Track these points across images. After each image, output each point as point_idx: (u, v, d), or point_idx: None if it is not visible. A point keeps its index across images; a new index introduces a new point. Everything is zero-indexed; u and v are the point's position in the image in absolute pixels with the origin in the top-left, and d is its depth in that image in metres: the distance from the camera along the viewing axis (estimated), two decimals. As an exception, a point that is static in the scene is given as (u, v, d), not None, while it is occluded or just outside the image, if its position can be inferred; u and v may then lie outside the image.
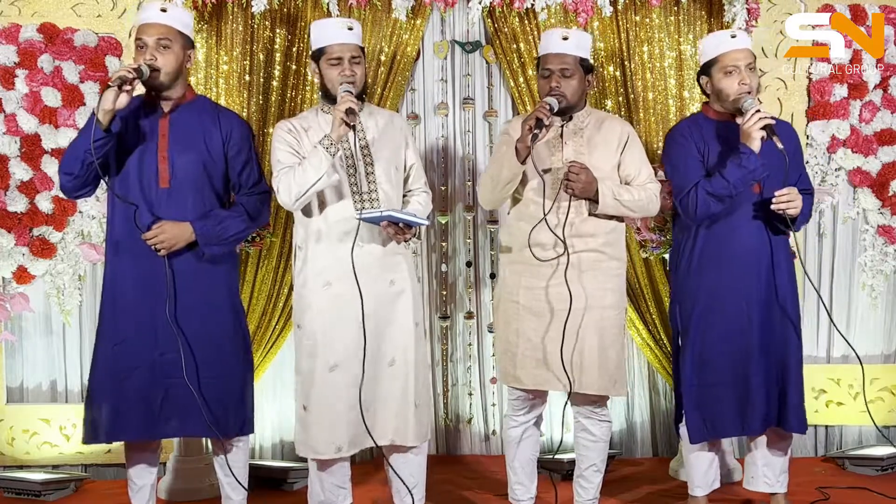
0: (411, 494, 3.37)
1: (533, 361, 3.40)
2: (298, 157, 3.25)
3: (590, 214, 3.37)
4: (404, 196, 3.43)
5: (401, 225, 3.17)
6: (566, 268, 3.31)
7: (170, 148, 3.20)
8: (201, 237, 3.20)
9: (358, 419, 3.22)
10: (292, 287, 4.17)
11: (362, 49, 3.33)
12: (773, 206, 3.28)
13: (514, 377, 3.45)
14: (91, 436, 3.24)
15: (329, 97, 3.31)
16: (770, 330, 3.40)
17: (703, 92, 3.49)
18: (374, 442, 3.26)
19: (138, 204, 3.14)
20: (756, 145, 3.23)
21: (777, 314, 3.40)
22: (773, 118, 3.28)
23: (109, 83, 3.00)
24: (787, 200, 3.27)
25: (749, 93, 3.31)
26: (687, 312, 3.48)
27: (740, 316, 3.40)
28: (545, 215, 3.30)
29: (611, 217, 3.40)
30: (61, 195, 4.06)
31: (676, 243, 3.57)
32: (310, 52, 3.37)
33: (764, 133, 3.23)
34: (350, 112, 3.09)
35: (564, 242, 3.32)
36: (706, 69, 3.43)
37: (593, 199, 3.33)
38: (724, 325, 3.41)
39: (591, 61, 3.45)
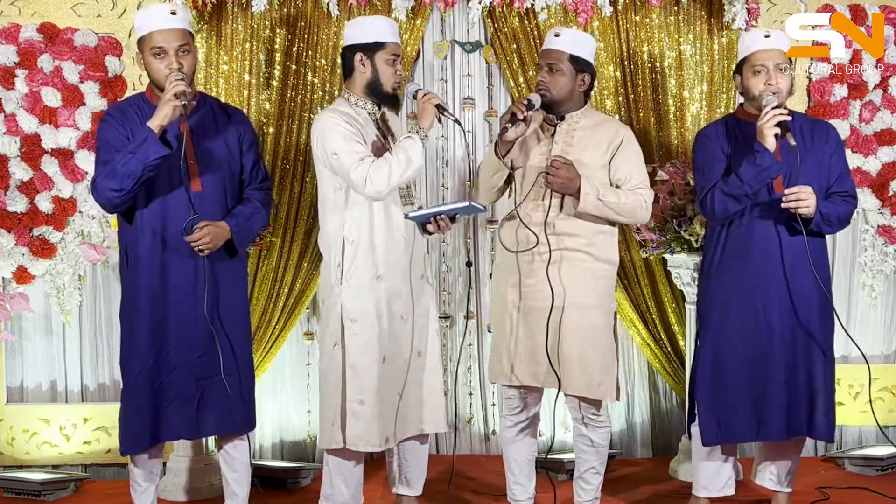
0: (406, 481, 3.51)
1: (518, 358, 3.41)
2: (367, 146, 3.27)
3: (572, 213, 3.35)
4: None
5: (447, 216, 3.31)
6: (547, 265, 3.32)
7: (196, 151, 3.21)
8: (236, 235, 3.26)
9: (399, 411, 3.32)
10: (292, 287, 4.21)
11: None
12: (782, 205, 3.26)
13: (501, 373, 3.48)
14: (132, 444, 3.24)
15: (378, 91, 3.32)
16: (793, 334, 3.36)
17: (739, 91, 3.49)
18: (400, 433, 3.34)
19: (171, 207, 3.14)
20: (770, 143, 3.20)
21: (802, 317, 3.35)
22: (790, 116, 3.25)
23: (173, 97, 2.99)
24: (795, 199, 3.24)
25: (775, 93, 3.29)
26: (706, 312, 3.47)
27: (756, 318, 3.37)
28: (516, 207, 3.36)
29: (598, 219, 3.38)
30: (61, 195, 4.08)
31: (705, 243, 3.58)
32: (348, 43, 3.33)
33: (777, 130, 3.20)
34: (441, 108, 3.23)
35: (547, 238, 3.32)
36: (739, 67, 3.42)
37: (574, 197, 3.32)
38: (741, 327, 3.38)
39: (589, 61, 3.41)
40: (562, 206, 3.36)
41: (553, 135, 3.43)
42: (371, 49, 3.29)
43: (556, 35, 3.38)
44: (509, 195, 3.50)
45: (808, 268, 3.33)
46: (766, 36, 3.37)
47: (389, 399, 3.30)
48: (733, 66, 3.63)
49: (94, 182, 3.15)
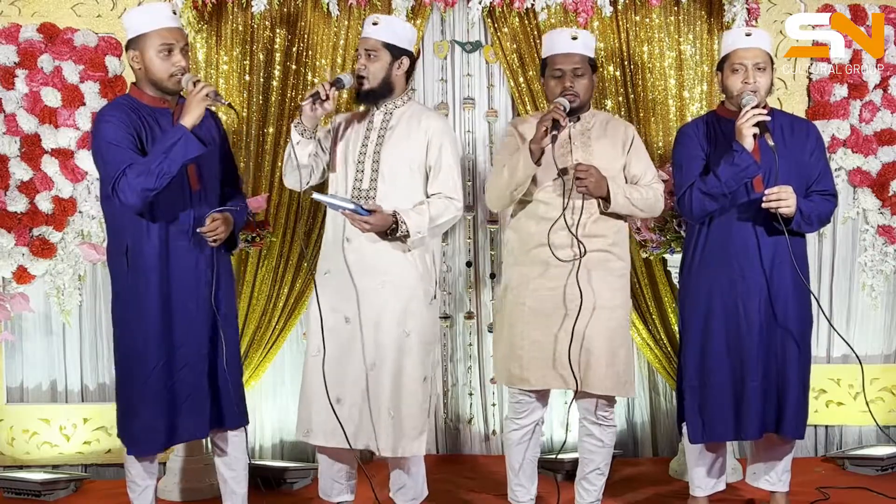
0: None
1: (540, 362, 3.39)
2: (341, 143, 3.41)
3: (601, 213, 3.37)
4: (428, 198, 3.36)
5: (343, 211, 3.20)
6: (577, 268, 3.31)
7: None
8: (235, 227, 3.30)
9: (341, 416, 3.27)
10: (292, 287, 4.22)
11: (384, 45, 3.31)
12: (763, 205, 3.27)
13: (522, 379, 3.42)
14: (145, 447, 3.21)
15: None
16: (770, 332, 3.38)
17: (720, 89, 3.50)
18: (347, 441, 3.28)
19: (172, 204, 3.13)
20: (748, 143, 3.22)
21: (779, 315, 3.38)
22: (770, 116, 3.26)
23: (207, 98, 3.03)
24: (776, 199, 3.25)
25: (754, 92, 3.31)
26: (688, 311, 3.49)
27: (737, 316, 3.39)
28: (563, 214, 3.30)
29: (617, 217, 3.41)
30: (61, 195, 4.09)
31: (685, 242, 3.58)
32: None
33: (756, 130, 3.22)
34: (316, 97, 3.20)
35: (580, 243, 3.31)
36: (720, 65, 3.43)
37: (604, 198, 3.33)
38: (723, 326, 3.40)
39: (595, 59, 3.47)
40: (585, 209, 3.35)
41: (569, 136, 3.43)
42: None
43: (574, 38, 3.36)
44: (519, 201, 3.48)
45: (787, 266, 3.35)
46: (748, 35, 3.38)
47: (317, 393, 3.29)
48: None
49: (118, 182, 3.03)
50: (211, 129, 3.30)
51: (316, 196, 3.18)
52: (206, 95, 3.04)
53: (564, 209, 3.32)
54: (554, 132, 3.21)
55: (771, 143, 3.22)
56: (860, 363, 3.59)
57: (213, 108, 3.12)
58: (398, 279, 3.30)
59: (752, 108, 3.23)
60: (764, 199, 3.26)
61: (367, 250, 3.29)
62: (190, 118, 3.04)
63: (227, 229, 3.22)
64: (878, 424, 3.77)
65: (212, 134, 3.29)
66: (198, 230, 3.16)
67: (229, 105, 3.15)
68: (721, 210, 3.37)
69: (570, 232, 3.31)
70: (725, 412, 3.40)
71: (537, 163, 3.27)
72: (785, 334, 3.38)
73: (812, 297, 3.44)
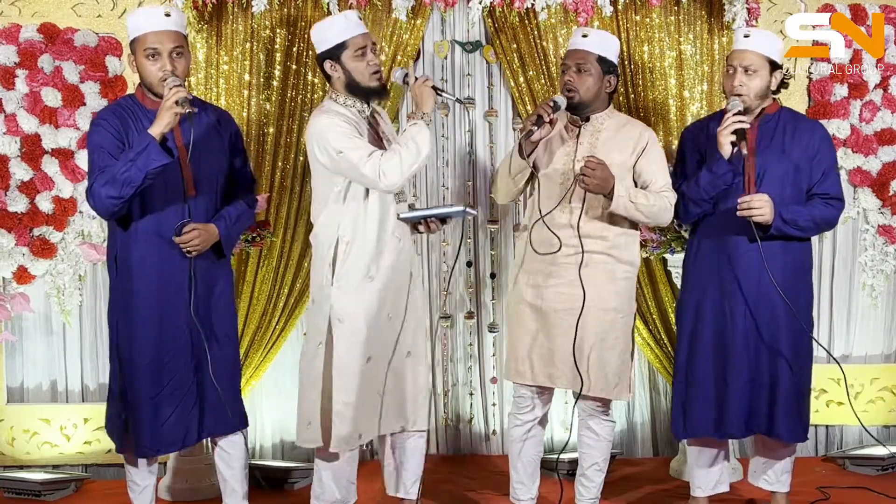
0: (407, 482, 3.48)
1: (537, 358, 3.42)
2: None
3: (597, 215, 3.37)
4: None
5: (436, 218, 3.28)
6: (580, 267, 3.32)
7: (190, 154, 3.15)
8: (225, 238, 3.25)
9: (379, 409, 3.32)
10: (293, 287, 4.21)
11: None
12: (737, 212, 3.27)
13: (517, 372, 3.48)
14: (139, 451, 3.24)
15: (358, 89, 3.26)
16: (756, 336, 3.38)
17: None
18: (378, 429, 3.34)
19: (164, 210, 3.12)
20: (725, 150, 3.22)
21: (767, 319, 3.37)
22: (748, 124, 3.26)
23: (176, 105, 2.96)
24: (747, 207, 3.24)
25: (739, 95, 3.30)
26: (682, 309, 3.52)
27: (724, 318, 3.40)
28: (542, 215, 3.33)
29: (622, 220, 3.40)
30: (61, 195, 4.09)
31: (688, 240, 3.61)
32: (317, 53, 3.31)
33: (734, 138, 3.21)
34: (437, 89, 3.21)
35: (581, 240, 3.33)
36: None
37: (607, 197, 3.32)
38: (710, 326, 3.42)
39: (615, 62, 3.43)
40: (586, 209, 3.37)
41: (578, 136, 3.43)
42: (335, 52, 3.25)
43: (584, 35, 3.37)
44: (529, 195, 3.51)
45: (777, 273, 3.32)
46: (746, 36, 3.38)
47: (369, 398, 3.29)
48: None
49: (90, 189, 3.09)
50: (216, 132, 3.29)
51: (412, 214, 3.28)
52: (176, 102, 2.98)
53: (554, 208, 3.34)
54: (532, 128, 3.22)
55: (745, 151, 3.22)
56: (842, 370, 3.63)
57: (184, 112, 2.99)
58: (418, 267, 3.47)
59: (734, 114, 3.22)
60: (738, 206, 3.26)
61: (405, 248, 3.36)
62: (158, 126, 3.00)
63: (204, 240, 3.17)
64: (863, 426, 3.81)
65: (216, 138, 3.27)
66: (172, 239, 3.14)
67: (189, 115, 3.02)
68: (715, 212, 3.38)
69: (552, 231, 3.33)
70: (707, 409, 3.42)
71: (525, 157, 3.31)
72: (774, 338, 3.38)
73: (787, 304, 3.36)
